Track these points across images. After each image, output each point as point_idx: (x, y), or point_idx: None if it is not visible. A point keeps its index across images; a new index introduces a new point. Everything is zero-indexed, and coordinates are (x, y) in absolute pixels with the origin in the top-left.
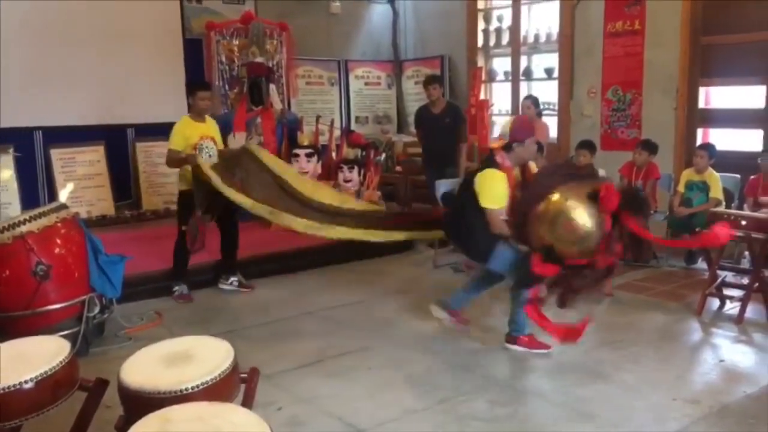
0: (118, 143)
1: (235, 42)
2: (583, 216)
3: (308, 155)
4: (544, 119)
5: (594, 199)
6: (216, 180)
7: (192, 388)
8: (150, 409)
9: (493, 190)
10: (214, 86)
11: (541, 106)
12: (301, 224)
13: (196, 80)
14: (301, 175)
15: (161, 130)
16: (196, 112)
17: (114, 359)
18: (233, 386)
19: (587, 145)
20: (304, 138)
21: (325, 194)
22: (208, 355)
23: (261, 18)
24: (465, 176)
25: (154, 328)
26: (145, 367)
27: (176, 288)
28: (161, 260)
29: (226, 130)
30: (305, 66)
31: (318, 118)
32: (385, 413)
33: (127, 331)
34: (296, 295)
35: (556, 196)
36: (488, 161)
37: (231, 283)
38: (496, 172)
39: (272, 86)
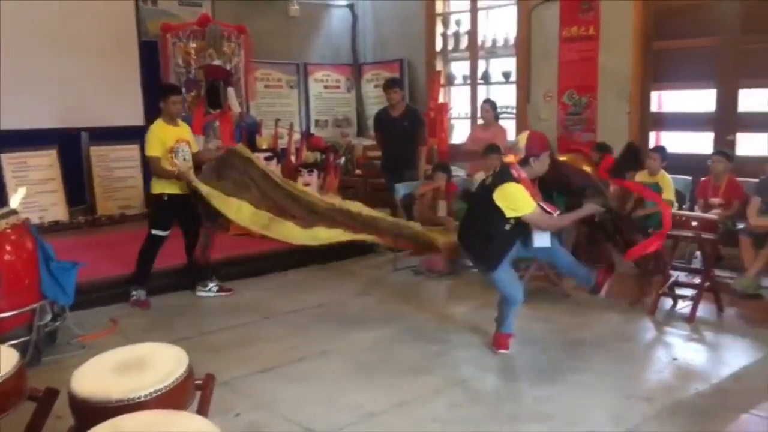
0: (71, 147)
1: (192, 44)
2: None
3: (267, 159)
4: (503, 123)
5: None
6: (213, 193)
7: (144, 396)
8: (101, 418)
9: (518, 201)
10: None
11: (499, 110)
12: (299, 236)
13: (167, 84)
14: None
15: (117, 134)
16: (169, 116)
17: (67, 368)
18: (187, 393)
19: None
20: (263, 141)
21: (314, 197)
22: (161, 363)
23: (218, 20)
24: (481, 188)
25: (110, 336)
26: (96, 376)
27: (134, 293)
28: (116, 266)
29: None
30: (264, 69)
31: (277, 121)
32: (343, 417)
33: (81, 339)
34: (256, 299)
35: None
36: (504, 174)
37: (210, 289)
38: (514, 184)
39: (230, 89)
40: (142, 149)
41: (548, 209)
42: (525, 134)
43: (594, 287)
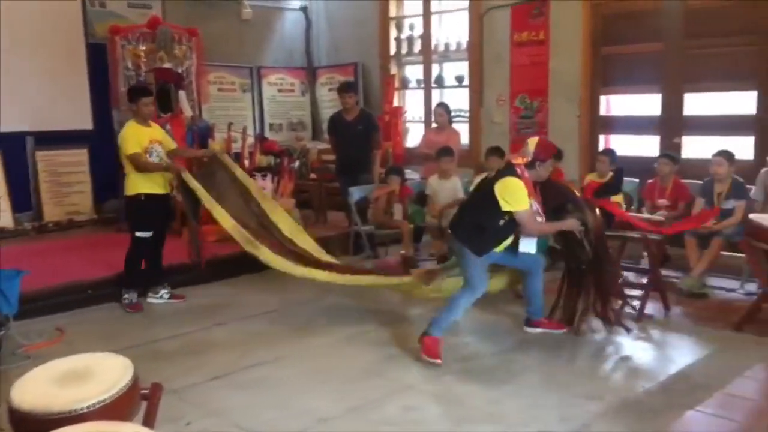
0: (16, 151)
1: (142, 47)
2: None
3: None
4: (457, 126)
5: None
6: (202, 192)
7: (87, 407)
8: (43, 431)
9: (516, 194)
10: (119, 93)
11: (453, 113)
12: (276, 262)
13: (138, 87)
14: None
15: (64, 138)
16: (141, 118)
17: (10, 379)
18: (132, 404)
19: (496, 151)
20: (216, 145)
21: (281, 218)
22: (105, 373)
23: (169, 23)
24: (481, 183)
25: (56, 345)
26: (37, 388)
27: (126, 296)
28: (63, 274)
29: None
30: (217, 72)
31: (230, 125)
32: (296, 423)
33: (26, 349)
34: (208, 306)
35: None
36: (508, 170)
37: (161, 296)
38: (516, 179)
39: (182, 92)
40: (91, 153)
41: (540, 214)
42: (535, 139)
43: (532, 323)
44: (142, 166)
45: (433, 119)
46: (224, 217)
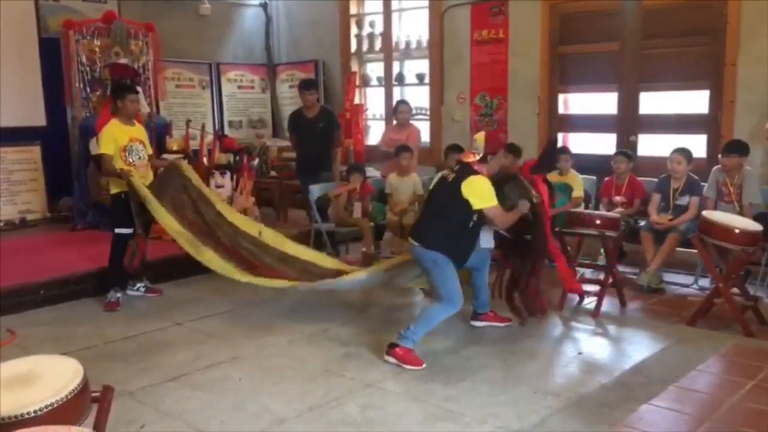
0: None
1: (97, 42)
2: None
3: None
4: (417, 124)
5: None
6: (149, 198)
7: (35, 411)
8: None
9: (486, 192)
10: (74, 88)
11: (413, 111)
12: (223, 268)
13: (123, 84)
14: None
15: (16, 135)
16: (125, 116)
17: None
18: (82, 407)
19: (456, 149)
20: (174, 143)
21: (245, 223)
22: (54, 375)
23: (124, 18)
24: (441, 185)
25: (7, 347)
26: None
27: (110, 295)
28: (14, 275)
29: (89, 134)
30: (174, 68)
31: (188, 122)
32: (254, 424)
33: None
34: (164, 305)
35: None
36: (468, 169)
37: (138, 289)
38: (480, 177)
39: (138, 89)
40: (43, 150)
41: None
42: (482, 134)
43: (479, 316)
44: (104, 168)
45: (394, 116)
46: (169, 221)
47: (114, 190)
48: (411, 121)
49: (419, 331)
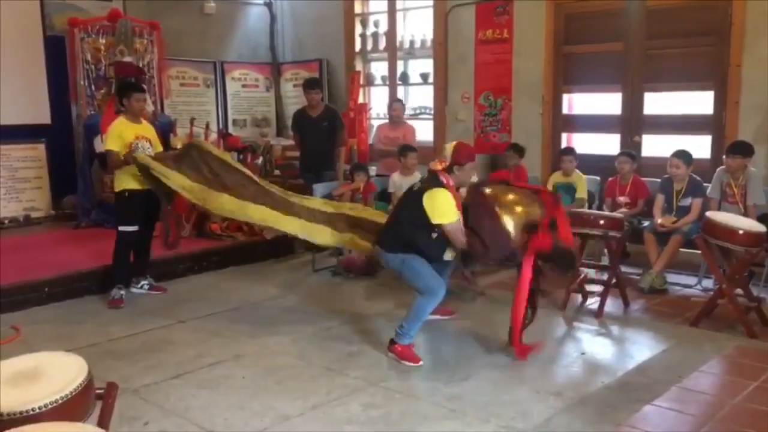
0: None
1: (102, 40)
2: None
3: None
4: (422, 124)
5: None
6: (155, 165)
7: (39, 408)
8: None
9: (443, 207)
10: (79, 86)
11: (418, 111)
12: (239, 206)
13: (130, 83)
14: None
15: (21, 133)
16: (132, 114)
17: None
18: (86, 404)
19: None
20: (178, 141)
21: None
22: (58, 372)
23: (129, 16)
24: (407, 195)
25: (12, 344)
26: None
27: (113, 292)
28: (19, 272)
29: (93, 132)
30: (179, 67)
31: (192, 120)
32: (257, 422)
33: None
34: (169, 303)
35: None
36: (433, 180)
37: (141, 287)
38: (443, 191)
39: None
40: (48, 148)
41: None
42: (453, 144)
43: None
44: (111, 163)
45: (388, 114)
46: (179, 180)
47: (118, 188)
48: (405, 120)
49: (412, 326)
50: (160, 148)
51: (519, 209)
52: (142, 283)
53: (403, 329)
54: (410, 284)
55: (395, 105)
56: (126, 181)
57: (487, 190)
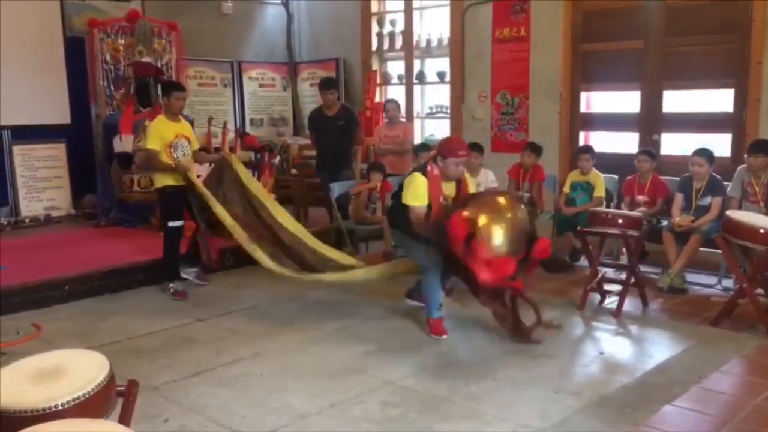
0: None
1: (121, 41)
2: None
3: None
4: (438, 122)
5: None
6: (205, 193)
7: (62, 404)
8: (15, 429)
9: (413, 190)
10: (98, 86)
11: (434, 110)
12: (273, 266)
13: (170, 81)
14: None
15: (41, 132)
16: (171, 113)
17: None
18: (108, 401)
19: (476, 147)
20: (196, 141)
21: (290, 222)
22: (80, 369)
23: (148, 17)
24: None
25: (33, 342)
26: (10, 385)
27: (171, 286)
28: (40, 270)
29: (112, 132)
30: (197, 67)
31: (210, 119)
32: (275, 420)
33: (2, 346)
34: (187, 301)
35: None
36: (421, 166)
37: (190, 274)
38: (420, 176)
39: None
40: (68, 147)
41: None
42: (442, 138)
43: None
44: (154, 163)
45: (383, 116)
46: (224, 216)
47: (159, 185)
48: (401, 119)
49: (429, 303)
50: (197, 146)
51: (507, 218)
52: (191, 270)
53: (425, 308)
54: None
55: (389, 105)
56: (166, 179)
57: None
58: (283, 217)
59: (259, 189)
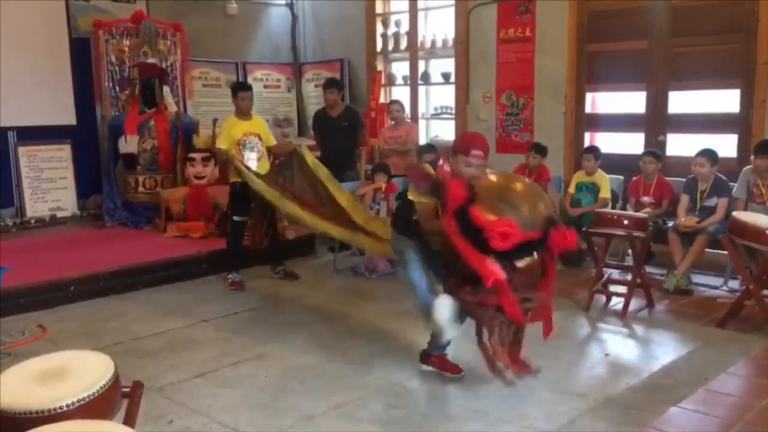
0: None
1: (126, 42)
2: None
3: (205, 159)
4: (443, 123)
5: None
6: (247, 176)
7: (67, 405)
8: (22, 430)
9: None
10: (103, 87)
11: (439, 110)
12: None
13: (237, 82)
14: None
15: (47, 133)
16: (240, 112)
17: None
18: (113, 402)
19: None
20: (201, 141)
21: (358, 213)
22: (85, 370)
23: (153, 18)
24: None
25: (38, 342)
26: (15, 386)
27: (230, 277)
28: (45, 271)
29: (117, 133)
30: (201, 68)
31: (215, 121)
32: (280, 421)
33: (8, 347)
34: (192, 303)
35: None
36: (432, 164)
37: (278, 272)
38: (429, 169)
39: (166, 88)
40: (74, 148)
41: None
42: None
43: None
44: (220, 160)
45: (387, 117)
46: (287, 208)
47: (231, 180)
48: (406, 120)
49: (418, 296)
50: (273, 141)
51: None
52: (279, 269)
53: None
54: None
55: (392, 107)
56: (235, 175)
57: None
58: (346, 202)
59: (328, 177)
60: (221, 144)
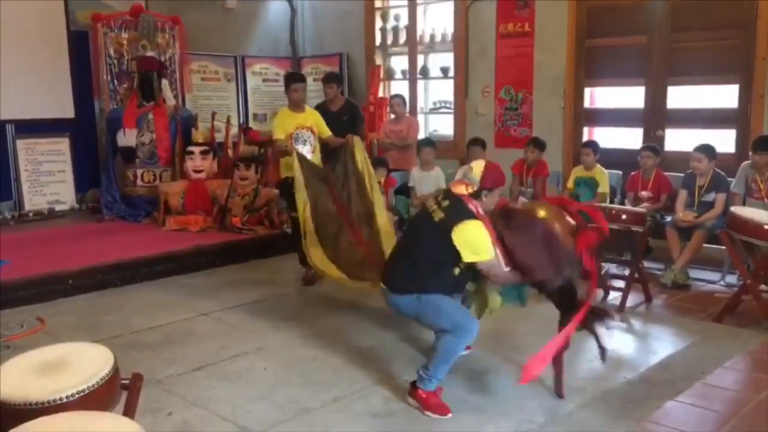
0: None
1: (125, 35)
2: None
3: (203, 153)
4: (441, 117)
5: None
6: (298, 177)
7: (66, 397)
8: (20, 421)
9: (479, 242)
10: (102, 81)
11: (437, 105)
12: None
13: (290, 73)
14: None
15: (45, 127)
16: (292, 104)
17: None
18: (112, 394)
19: (478, 142)
20: (199, 135)
21: (389, 242)
22: (85, 362)
23: (151, 11)
24: (424, 225)
25: (37, 335)
26: (14, 377)
27: (301, 271)
28: (44, 263)
29: (116, 126)
30: (200, 61)
31: (213, 114)
32: (279, 414)
33: (6, 339)
34: (191, 296)
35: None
36: (462, 210)
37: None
38: (473, 222)
39: (164, 81)
40: (72, 142)
41: (501, 256)
42: (481, 163)
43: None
44: (275, 150)
45: (388, 110)
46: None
47: (283, 175)
48: (407, 114)
49: (439, 369)
50: (328, 133)
51: (556, 220)
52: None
53: (429, 373)
54: (432, 326)
55: (394, 101)
56: (287, 169)
57: (519, 206)
58: (384, 224)
59: (371, 176)
60: (278, 135)
